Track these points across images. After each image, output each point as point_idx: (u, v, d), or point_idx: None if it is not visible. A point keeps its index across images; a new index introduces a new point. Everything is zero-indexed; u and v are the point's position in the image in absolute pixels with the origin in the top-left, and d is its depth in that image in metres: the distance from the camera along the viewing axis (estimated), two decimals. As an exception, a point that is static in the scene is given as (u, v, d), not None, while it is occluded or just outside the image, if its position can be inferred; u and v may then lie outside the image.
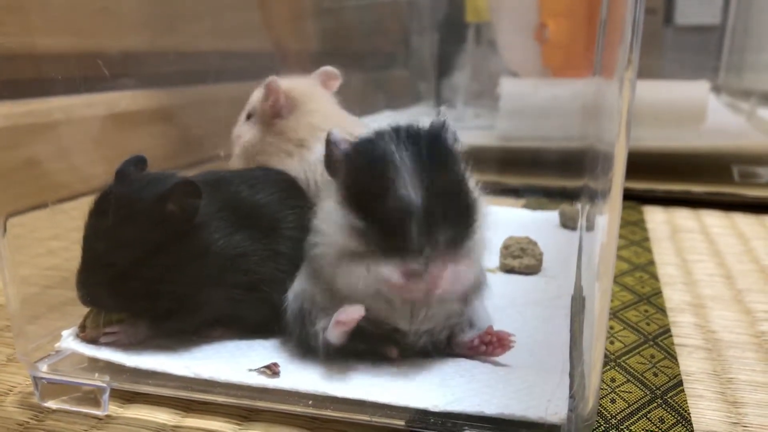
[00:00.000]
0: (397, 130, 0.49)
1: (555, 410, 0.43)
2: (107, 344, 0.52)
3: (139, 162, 0.54)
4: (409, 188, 0.46)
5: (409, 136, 0.49)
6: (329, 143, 0.51)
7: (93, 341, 0.53)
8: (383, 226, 0.46)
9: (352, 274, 0.48)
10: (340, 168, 0.50)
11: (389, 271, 0.46)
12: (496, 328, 0.53)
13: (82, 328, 0.54)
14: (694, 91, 1.22)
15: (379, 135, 0.50)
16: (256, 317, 0.54)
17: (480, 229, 0.50)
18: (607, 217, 0.41)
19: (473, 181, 0.51)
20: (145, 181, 0.52)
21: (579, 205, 0.44)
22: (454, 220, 0.47)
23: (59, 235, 0.68)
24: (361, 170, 0.49)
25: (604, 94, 0.41)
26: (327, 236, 0.50)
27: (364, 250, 0.47)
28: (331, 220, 0.49)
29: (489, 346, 0.50)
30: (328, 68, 0.74)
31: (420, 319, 0.49)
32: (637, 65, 0.39)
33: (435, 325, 0.50)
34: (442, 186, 0.47)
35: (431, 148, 0.48)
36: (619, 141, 0.40)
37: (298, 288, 0.52)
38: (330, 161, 0.51)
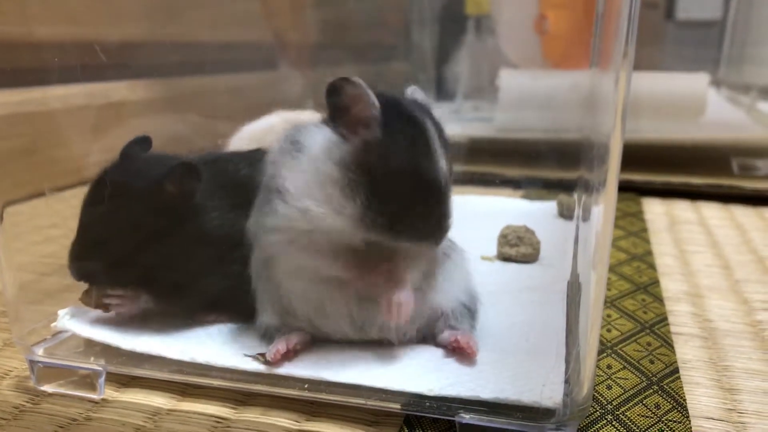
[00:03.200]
0: (419, 103, 0.49)
1: (550, 394, 0.43)
2: (108, 307, 0.52)
3: (144, 142, 0.54)
4: (443, 159, 0.46)
5: (420, 105, 0.48)
6: (347, 86, 0.44)
7: (97, 306, 0.53)
8: (422, 190, 0.45)
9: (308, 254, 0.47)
10: (366, 124, 0.45)
11: (420, 236, 0.46)
12: (491, 314, 0.54)
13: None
14: (694, 83, 1.22)
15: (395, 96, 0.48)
16: (250, 299, 0.54)
17: None
18: (603, 207, 0.41)
19: None
20: (146, 162, 0.52)
21: (575, 196, 0.44)
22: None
23: (57, 224, 0.68)
24: (401, 130, 0.45)
25: (601, 86, 0.41)
26: (301, 205, 0.45)
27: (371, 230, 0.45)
28: (320, 187, 0.45)
29: (458, 350, 0.49)
30: None
31: (377, 331, 0.50)
32: (633, 57, 0.39)
33: (401, 334, 0.50)
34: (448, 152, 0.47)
35: (437, 119, 0.48)
36: (614, 133, 0.40)
37: (259, 319, 0.52)
38: (343, 111, 0.45)
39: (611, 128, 0.40)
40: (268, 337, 0.51)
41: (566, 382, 0.43)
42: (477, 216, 0.83)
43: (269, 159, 0.49)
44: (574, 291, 0.43)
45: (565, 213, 0.80)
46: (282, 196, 0.46)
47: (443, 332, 0.51)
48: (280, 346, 0.48)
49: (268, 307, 0.51)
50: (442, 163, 0.46)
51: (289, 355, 0.49)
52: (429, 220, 0.46)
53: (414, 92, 0.50)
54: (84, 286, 0.54)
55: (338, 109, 0.45)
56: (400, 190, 0.44)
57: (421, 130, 0.45)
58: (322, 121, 0.47)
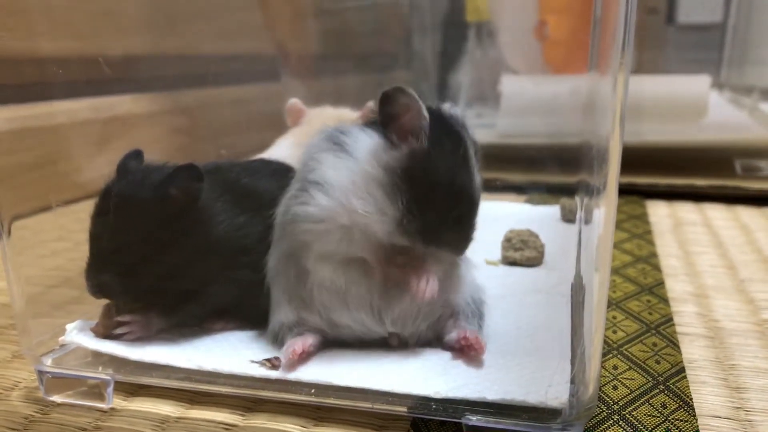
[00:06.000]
0: (457, 116, 0.51)
1: (555, 395, 0.43)
2: (120, 337, 0.53)
3: (138, 156, 0.55)
4: (477, 179, 0.49)
5: (457, 119, 0.50)
6: (400, 96, 0.46)
7: (106, 336, 0.53)
8: (458, 202, 0.48)
9: (336, 245, 0.48)
10: (415, 133, 0.47)
11: (450, 247, 0.50)
12: (496, 317, 0.54)
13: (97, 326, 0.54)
14: (695, 85, 1.22)
15: (441, 109, 0.50)
16: (260, 305, 0.54)
17: None
18: (604, 210, 0.41)
19: None
20: (146, 171, 0.52)
21: (577, 199, 0.45)
22: None
23: (64, 237, 0.68)
24: (446, 142, 0.47)
25: (600, 90, 0.41)
26: (343, 201, 0.47)
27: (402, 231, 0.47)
28: (365, 187, 0.47)
29: (467, 348, 0.50)
30: None
31: (393, 323, 0.50)
32: (630, 61, 0.40)
33: (415, 327, 0.51)
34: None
35: (472, 135, 0.51)
36: (613, 136, 0.40)
37: (273, 318, 0.53)
38: (393, 118, 0.47)
39: (610, 131, 0.40)
40: (280, 338, 0.51)
41: (571, 382, 0.43)
42: (481, 221, 0.83)
43: (308, 152, 0.51)
44: (577, 292, 0.44)
45: (569, 216, 0.81)
46: (323, 189, 0.48)
47: (451, 333, 0.51)
48: (296, 346, 0.49)
49: (284, 302, 0.51)
50: (478, 179, 0.49)
51: (303, 357, 0.49)
52: (460, 231, 0.49)
53: (450, 108, 0.52)
54: (97, 309, 0.55)
55: (389, 117, 0.47)
56: (439, 199, 0.47)
57: (463, 145, 0.48)
58: (367, 125, 0.50)
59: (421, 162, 0.47)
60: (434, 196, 0.47)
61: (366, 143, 0.48)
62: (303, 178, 0.49)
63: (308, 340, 0.50)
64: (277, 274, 0.52)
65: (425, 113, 0.47)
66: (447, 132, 0.48)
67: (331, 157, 0.48)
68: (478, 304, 0.53)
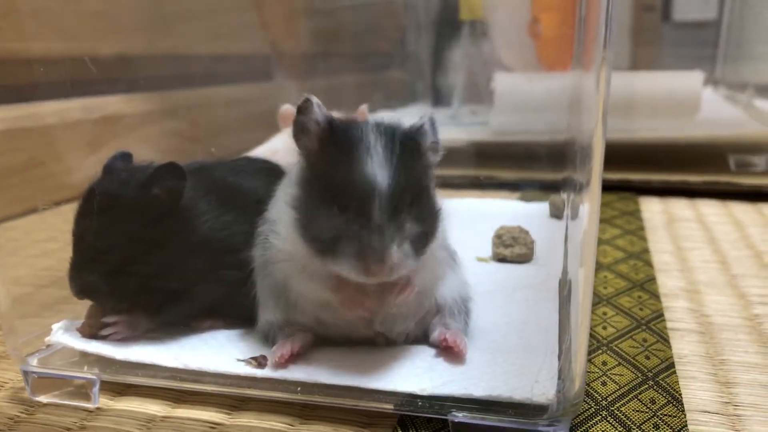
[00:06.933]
0: (375, 123, 0.48)
1: (542, 391, 0.43)
2: (107, 337, 0.52)
3: (125, 157, 0.55)
4: (377, 170, 0.44)
5: (385, 129, 0.47)
6: (306, 107, 0.46)
7: (92, 336, 0.53)
8: (348, 203, 0.44)
9: (305, 286, 0.48)
10: (312, 137, 0.47)
11: (350, 265, 0.43)
12: (485, 313, 0.54)
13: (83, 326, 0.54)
14: (688, 81, 1.22)
15: (356, 121, 0.49)
16: (246, 304, 0.54)
17: (436, 241, 0.48)
18: (588, 206, 0.41)
19: (436, 193, 0.50)
20: (129, 171, 0.52)
21: (564, 195, 0.45)
22: (417, 218, 0.46)
23: (54, 238, 0.68)
24: (335, 141, 0.46)
25: (584, 87, 0.41)
26: (282, 239, 0.48)
27: (316, 237, 0.45)
28: (285, 220, 0.47)
29: (448, 349, 0.49)
30: None
31: (381, 324, 0.50)
32: (612, 58, 0.40)
33: (403, 327, 0.51)
34: (409, 181, 0.45)
35: (406, 144, 0.46)
36: (596, 132, 0.40)
37: (261, 317, 0.52)
38: (302, 127, 0.47)
39: (593, 127, 0.40)
40: (271, 337, 0.51)
41: (558, 378, 0.43)
42: (472, 218, 0.83)
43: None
44: (564, 288, 0.43)
45: (557, 213, 0.81)
46: (274, 229, 0.49)
47: (435, 330, 0.51)
48: (284, 350, 0.49)
49: (271, 304, 0.51)
50: (365, 177, 0.44)
51: (291, 360, 0.49)
52: (352, 241, 0.43)
53: (424, 118, 0.49)
54: (86, 309, 0.54)
55: (299, 127, 0.47)
56: (319, 203, 0.45)
57: (350, 147, 0.45)
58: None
59: (309, 168, 0.46)
60: (315, 198, 0.45)
61: (293, 171, 0.48)
62: (267, 219, 0.51)
63: (297, 343, 0.50)
64: (264, 277, 0.52)
65: (319, 118, 0.46)
66: (336, 134, 0.46)
67: (278, 198, 0.50)
68: (465, 302, 0.53)
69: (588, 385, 0.50)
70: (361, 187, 0.43)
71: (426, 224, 0.46)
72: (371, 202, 0.43)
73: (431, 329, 0.51)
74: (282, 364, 0.48)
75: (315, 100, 0.46)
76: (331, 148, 0.46)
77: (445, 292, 0.52)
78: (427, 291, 0.50)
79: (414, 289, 0.47)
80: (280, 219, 0.48)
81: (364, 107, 0.80)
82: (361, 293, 0.46)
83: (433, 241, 0.47)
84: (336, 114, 0.84)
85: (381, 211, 0.43)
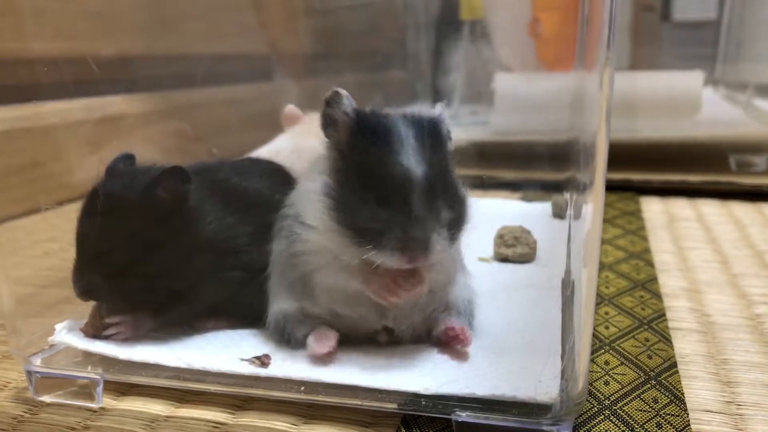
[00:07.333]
0: (401, 113, 0.49)
1: (545, 390, 0.43)
2: (110, 337, 0.52)
3: (128, 159, 0.55)
4: (413, 161, 0.45)
5: (413, 119, 0.48)
6: (334, 99, 0.47)
7: (95, 336, 0.53)
8: (387, 194, 0.45)
9: (335, 277, 0.48)
10: (342, 129, 0.47)
11: (393, 254, 0.44)
12: (487, 313, 0.54)
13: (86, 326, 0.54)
14: (688, 81, 1.23)
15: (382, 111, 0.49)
16: (250, 304, 0.54)
17: (466, 225, 0.49)
18: (591, 206, 0.41)
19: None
20: (133, 173, 0.52)
21: (567, 195, 0.45)
22: (450, 205, 0.47)
23: (57, 238, 0.68)
24: (367, 133, 0.46)
25: (587, 87, 0.41)
26: (312, 230, 0.48)
27: (357, 228, 0.45)
28: (317, 211, 0.47)
29: (452, 340, 0.50)
30: None
31: (393, 318, 0.50)
32: (615, 58, 0.40)
33: (413, 321, 0.51)
34: (440, 169, 0.47)
35: (432, 133, 0.48)
36: (599, 132, 0.40)
37: (274, 308, 0.52)
38: (330, 120, 0.47)
39: (597, 127, 0.40)
40: (288, 330, 0.51)
41: (561, 377, 0.43)
42: (474, 218, 0.83)
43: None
44: (567, 288, 0.44)
45: (559, 213, 0.81)
46: (305, 224, 0.48)
47: (440, 325, 0.51)
48: (329, 344, 0.49)
49: (289, 295, 0.51)
50: (404, 167, 0.45)
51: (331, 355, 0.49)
52: (382, 223, 0.44)
53: (441, 108, 0.50)
54: (88, 309, 0.54)
55: (328, 120, 0.47)
56: (358, 193, 0.45)
57: (384, 137, 0.46)
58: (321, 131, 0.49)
59: (342, 160, 0.47)
60: (352, 188, 0.45)
61: (320, 163, 0.48)
62: (291, 214, 0.50)
63: (333, 338, 0.50)
64: (286, 270, 0.51)
65: (349, 110, 0.47)
66: (367, 125, 0.47)
67: (304, 191, 0.49)
68: (470, 305, 0.53)
69: (591, 384, 0.50)
70: (400, 178, 0.45)
71: (456, 210, 0.47)
72: (411, 192, 0.44)
73: (436, 325, 0.51)
74: (326, 357, 0.48)
75: (343, 92, 0.47)
76: (363, 139, 0.46)
77: (454, 289, 0.52)
78: (441, 282, 0.51)
79: (439, 270, 0.48)
80: (309, 211, 0.48)
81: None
82: (392, 281, 0.46)
83: (465, 226, 0.48)
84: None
85: (421, 201, 0.44)
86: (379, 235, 0.44)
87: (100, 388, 0.50)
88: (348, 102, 0.47)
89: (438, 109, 0.50)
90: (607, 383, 0.50)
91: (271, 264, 0.53)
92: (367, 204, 0.45)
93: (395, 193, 0.45)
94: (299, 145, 0.77)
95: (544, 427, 0.43)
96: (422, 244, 0.44)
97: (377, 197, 0.45)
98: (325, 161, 0.48)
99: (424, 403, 0.45)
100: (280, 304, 0.52)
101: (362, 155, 0.46)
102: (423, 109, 0.50)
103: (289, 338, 0.51)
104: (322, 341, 0.49)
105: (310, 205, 0.48)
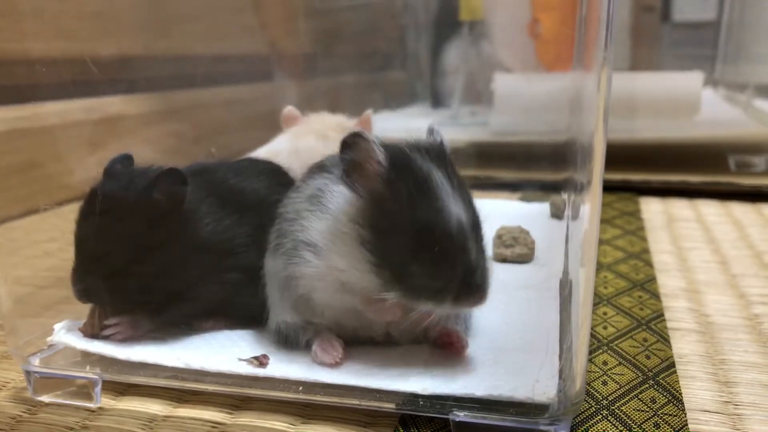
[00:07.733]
0: (419, 147, 0.47)
1: (543, 390, 0.43)
2: (108, 337, 0.52)
3: (126, 160, 0.55)
4: (456, 206, 0.44)
5: (433, 153, 0.47)
6: (358, 145, 0.45)
7: (94, 336, 0.53)
8: (441, 245, 0.44)
9: (339, 301, 0.48)
10: (372, 178, 0.45)
11: (449, 301, 0.44)
12: (485, 313, 0.54)
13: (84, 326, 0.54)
14: (688, 81, 1.23)
15: (405, 147, 0.47)
16: (248, 304, 0.54)
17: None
18: (589, 206, 0.41)
19: None
20: (131, 174, 0.52)
21: (565, 196, 0.45)
22: (482, 236, 0.47)
23: (56, 238, 0.68)
24: (405, 183, 0.45)
25: (585, 88, 0.41)
26: (323, 260, 0.47)
27: (408, 285, 0.44)
28: (341, 244, 0.46)
29: (447, 346, 0.50)
30: None
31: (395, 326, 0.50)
32: (612, 58, 0.40)
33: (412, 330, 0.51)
34: (470, 202, 0.47)
35: (451, 165, 0.47)
36: (597, 132, 0.40)
37: (274, 317, 0.52)
38: (356, 166, 0.46)
39: (594, 127, 0.40)
40: (292, 337, 0.51)
41: (559, 377, 0.43)
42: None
43: (289, 211, 0.51)
44: (565, 288, 0.44)
45: (558, 213, 0.81)
46: (313, 250, 0.47)
47: (437, 329, 0.51)
48: (336, 352, 0.49)
49: (286, 308, 0.51)
50: (453, 214, 0.44)
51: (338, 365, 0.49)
52: (438, 277, 0.44)
53: (434, 133, 0.50)
54: (87, 309, 0.54)
55: (352, 165, 0.46)
56: (404, 245, 0.44)
57: (424, 184, 0.45)
58: (341, 176, 0.47)
59: (379, 209, 0.45)
60: (399, 242, 0.44)
61: (339, 199, 0.47)
62: (294, 238, 0.49)
63: (338, 345, 0.50)
64: (283, 288, 0.51)
65: (381, 157, 0.45)
66: (404, 172, 0.45)
67: (314, 219, 0.48)
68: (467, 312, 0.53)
69: (589, 384, 0.50)
70: (453, 228, 0.44)
71: (483, 237, 0.47)
72: (466, 241, 0.44)
73: (432, 328, 0.51)
74: (338, 364, 0.48)
75: (369, 137, 0.45)
76: (402, 189, 0.45)
77: None
78: None
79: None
80: (331, 249, 0.47)
81: (369, 112, 0.80)
82: (393, 304, 0.46)
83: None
84: (341, 116, 0.84)
85: (473, 246, 0.45)
86: (437, 292, 0.44)
87: (98, 388, 0.51)
88: (378, 149, 0.45)
89: (436, 133, 0.49)
90: (605, 383, 0.51)
91: (267, 276, 0.53)
92: (418, 257, 0.44)
93: (450, 244, 0.44)
94: (298, 145, 0.77)
95: (542, 427, 0.43)
96: (481, 289, 0.45)
97: (426, 247, 0.44)
98: (349, 206, 0.46)
99: (422, 402, 0.45)
100: (281, 316, 0.52)
101: (405, 206, 0.44)
102: (422, 137, 0.49)
103: (291, 343, 0.51)
104: (329, 351, 0.49)
105: (332, 243, 0.47)
